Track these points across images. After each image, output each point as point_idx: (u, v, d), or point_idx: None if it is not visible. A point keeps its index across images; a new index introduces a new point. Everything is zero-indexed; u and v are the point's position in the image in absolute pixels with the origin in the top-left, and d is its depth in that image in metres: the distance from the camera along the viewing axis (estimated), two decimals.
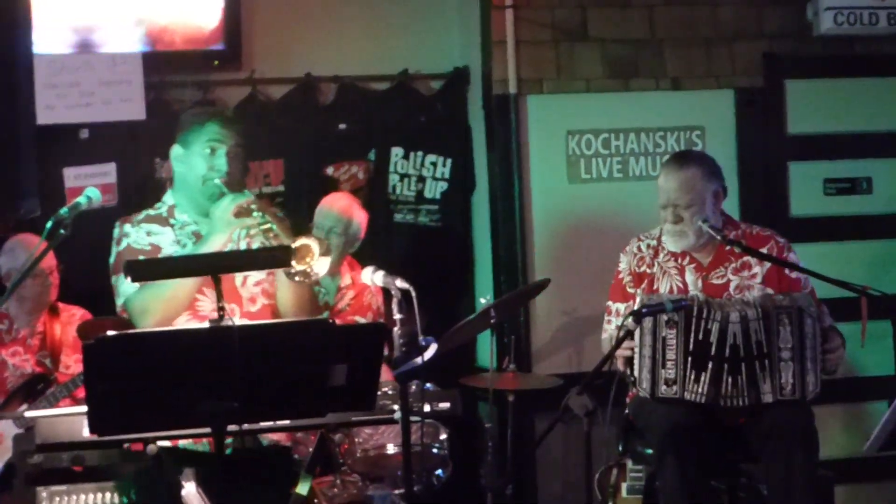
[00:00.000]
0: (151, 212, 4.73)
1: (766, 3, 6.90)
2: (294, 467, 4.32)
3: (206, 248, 4.49)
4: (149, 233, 4.63)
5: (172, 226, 4.65)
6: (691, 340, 4.94)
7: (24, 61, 4.39)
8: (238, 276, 4.59)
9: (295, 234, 4.32)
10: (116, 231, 4.70)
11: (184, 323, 4.49)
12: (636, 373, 4.98)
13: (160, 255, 4.53)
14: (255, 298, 4.62)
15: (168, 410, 3.62)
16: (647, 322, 4.92)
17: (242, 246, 4.65)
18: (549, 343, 6.72)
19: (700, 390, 4.95)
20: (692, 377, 4.94)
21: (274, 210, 4.65)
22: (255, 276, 4.67)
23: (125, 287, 4.56)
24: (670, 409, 4.97)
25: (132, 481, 4.15)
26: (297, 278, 4.25)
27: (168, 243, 4.59)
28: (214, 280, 3.80)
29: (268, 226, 4.41)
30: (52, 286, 5.87)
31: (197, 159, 4.61)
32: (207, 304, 4.52)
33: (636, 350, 4.96)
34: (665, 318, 4.91)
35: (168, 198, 4.78)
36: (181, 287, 4.46)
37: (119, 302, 4.64)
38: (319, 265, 4.23)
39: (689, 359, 4.94)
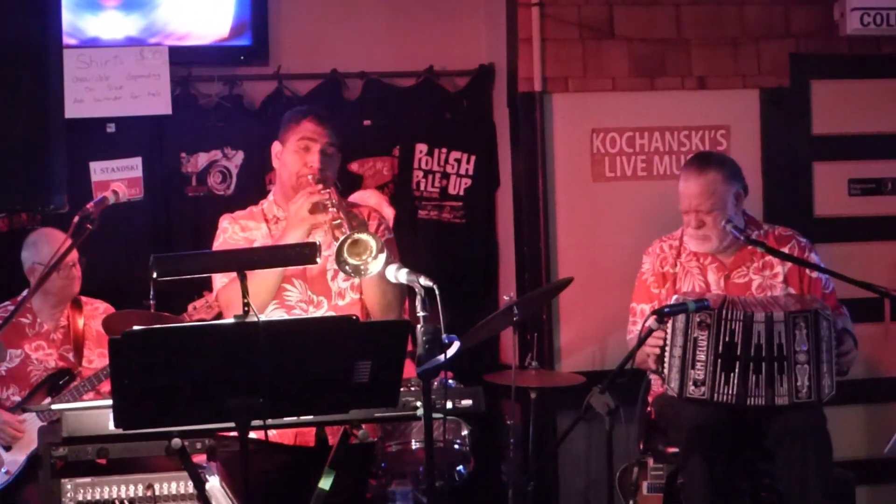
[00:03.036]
0: (255, 208, 4.79)
1: (792, 2, 6.88)
2: None
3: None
4: (244, 227, 4.67)
5: (269, 220, 4.69)
6: (721, 342, 4.94)
7: (54, 55, 4.42)
8: (329, 270, 4.60)
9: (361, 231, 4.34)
10: (221, 227, 4.76)
11: (270, 313, 4.51)
12: (665, 371, 4.99)
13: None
14: (343, 293, 4.63)
15: (193, 405, 3.64)
16: (679, 323, 4.93)
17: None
18: (572, 341, 6.72)
19: (730, 391, 4.95)
20: (721, 378, 4.95)
21: (348, 205, 4.68)
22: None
23: (217, 281, 4.61)
24: (697, 407, 4.98)
25: None
26: (347, 269, 4.26)
27: (261, 238, 4.63)
28: (240, 276, 3.82)
29: (338, 221, 4.44)
30: (75, 279, 5.88)
31: (292, 156, 4.65)
32: (295, 295, 4.56)
33: (667, 350, 4.96)
34: (697, 319, 4.92)
35: (271, 194, 4.85)
36: (265, 279, 4.47)
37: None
38: (375, 263, 4.25)
39: (719, 360, 4.94)
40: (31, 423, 5.58)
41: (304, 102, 6.92)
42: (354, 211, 4.70)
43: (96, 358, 5.83)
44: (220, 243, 4.70)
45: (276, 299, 4.58)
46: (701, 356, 4.95)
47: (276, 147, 4.76)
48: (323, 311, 4.52)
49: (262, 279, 4.46)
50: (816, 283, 5.30)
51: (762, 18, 6.88)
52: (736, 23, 6.86)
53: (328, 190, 4.51)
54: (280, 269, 4.47)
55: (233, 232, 4.68)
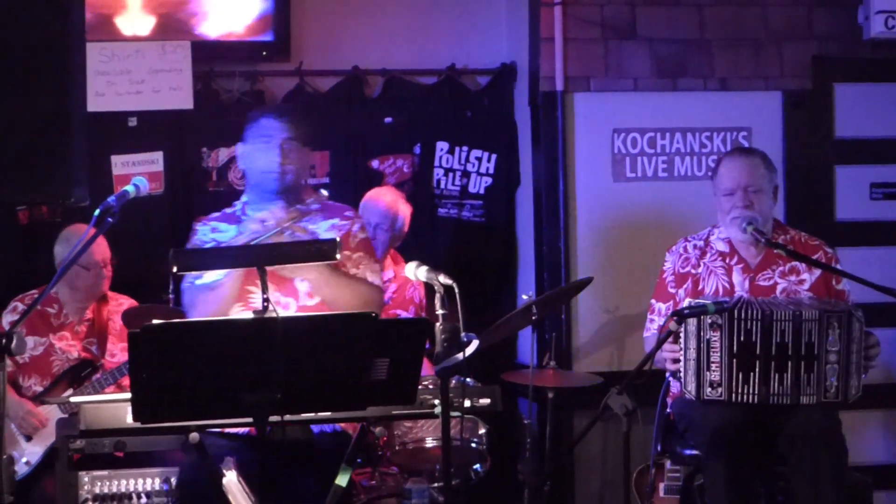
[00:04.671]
0: (228, 210, 4.81)
1: (816, 5, 6.86)
2: None
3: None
4: (214, 229, 4.68)
5: (241, 222, 4.70)
6: (735, 342, 4.93)
7: (77, 48, 4.43)
8: (295, 271, 4.61)
9: None
10: (193, 229, 4.80)
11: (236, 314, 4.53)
12: (681, 375, 4.98)
13: None
14: (312, 293, 4.64)
15: (211, 400, 3.65)
16: (692, 325, 4.92)
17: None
18: (590, 341, 6.71)
19: (751, 390, 4.94)
20: (740, 378, 4.93)
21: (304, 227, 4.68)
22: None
23: (183, 284, 4.62)
24: (719, 408, 4.97)
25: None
26: None
27: (230, 240, 4.63)
28: (260, 272, 3.83)
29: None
30: (105, 278, 5.91)
31: (253, 155, 4.66)
32: (260, 297, 4.55)
33: (682, 353, 4.96)
34: (709, 320, 4.91)
35: (244, 195, 4.87)
36: (228, 282, 4.49)
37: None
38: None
39: (735, 360, 4.93)
40: (53, 414, 5.60)
41: (325, 99, 6.94)
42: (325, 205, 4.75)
43: (119, 352, 5.85)
44: (189, 245, 4.72)
45: (241, 301, 4.58)
46: (715, 357, 4.94)
47: (239, 147, 4.77)
48: (291, 312, 4.49)
49: (225, 285, 4.51)
50: (840, 296, 5.29)
51: (785, 20, 6.85)
52: (759, 24, 6.84)
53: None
54: (244, 273, 4.49)
55: (202, 234, 4.69)
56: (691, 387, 4.96)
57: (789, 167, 6.81)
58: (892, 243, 6.92)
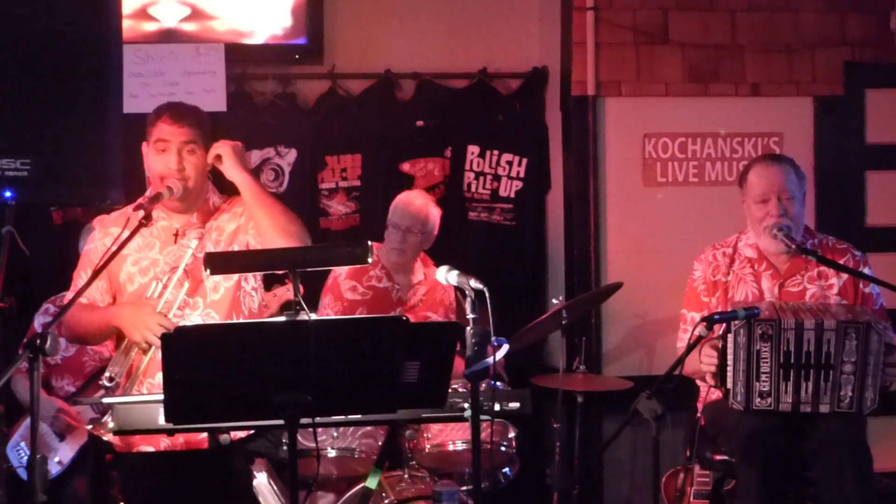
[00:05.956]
0: (129, 209, 4.57)
1: (848, 11, 6.85)
2: None
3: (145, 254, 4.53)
4: (106, 234, 4.53)
5: (142, 225, 4.43)
6: (781, 352, 4.92)
7: (114, 50, 4.47)
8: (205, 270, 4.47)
9: None
10: (92, 229, 4.66)
11: None
12: (729, 385, 4.96)
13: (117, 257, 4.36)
14: (217, 287, 4.58)
15: (242, 401, 3.67)
16: (742, 336, 4.90)
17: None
18: (620, 345, 6.72)
19: (788, 399, 4.94)
20: (783, 388, 4.93)
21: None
22: None
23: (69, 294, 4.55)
24: (753, 415, 4.96)
25: None
26: None
27: (131, 245, 4.43)
28: (293, 275, 3.84)
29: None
30: None
31: (152, 159, 4.53)
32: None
33: (730, 364, 4.94)
34: (759, 331, 4.89)
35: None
36: (93, 317, 4.47)
37: None
38: None
39: (781, 370, 4.92)
40: (86, 414, 5.63)
41: (357, 102, 6.96)
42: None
43: None
44: (87, 248, 4.61)
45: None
46: (765, 367, 4.92)
47: (144, 148, 4.60)
48: (199, 312, 4.47)
49: (89, 317, 4.46)
50: (868, 299, 5.28)
51: (817, 26, 6.85)
52: (791, 30, 6.84)
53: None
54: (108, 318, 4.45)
55: (100, 237, 4.56)
56: (740, 398, 4.93)
57: (820, 173, 6.81)
58: None
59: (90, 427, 4.36)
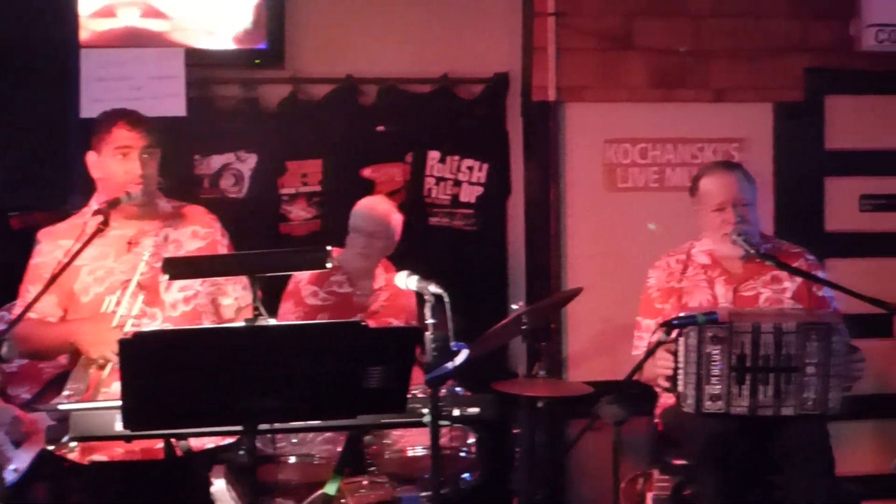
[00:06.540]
0: (77, 220, 4.61)
1: (809, 18, 6.89)
2: None
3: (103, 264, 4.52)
4: (57, 246, 4.53)
5: (100, 230, 4.44)
6: (733, 355, 4.94)
7: (72, 55, 4.45)
8: (163, 283, 4.53)
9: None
10: (38, 240, 4.64)
11: None
12: (680, 388, 4.98)
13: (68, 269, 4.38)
14: (176, 304, 4.60)
15: (201, 408, 3.65)
16: (692, 339, 4.92)
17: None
18: (582, 350, 6.73)
19: (743, 403, 4.95)
20: (735, 391, 4.95)
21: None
22: (180, 284, 4.59)
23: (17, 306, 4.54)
24: (710, 419, 4.98)
25: None
26: None
27: (84, 254, 4.43)
28: (251, 280, 3.83)
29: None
30: None
31: (111, 166, 4.52)
32: (123, 309, 4.47)
33: (681, 367, 4.96)
34: (709, 334, 4.91)
35: (93, 204, 4.64)
36: (48, 331, 4.52)
37: None
38: None
39: (733, 373, 4.94)
40: (43, 421, 5.58)
41: (319, 107, 6.93)
42: (183, 211, 4.70)
43: None
44: (35, 261, 4.60)
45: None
46: (715, 371, 4.95)
47: (91, 156, 4.58)
48: (157, 324, 4.46)
49: (42, 333, 4.48)
50: (822, 303, 5.31)
51: (780, 33, 6.90)
52: (754, 36, 6.88)
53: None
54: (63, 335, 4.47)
55: (47, 249, 4.56)
56: (691, 400, 4.95)
57: (779, 178, 6.85)
58: (882, 254, 6.96)
59: (51, 447, 4.34)
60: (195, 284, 4.62)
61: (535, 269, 6.74)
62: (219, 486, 4.12)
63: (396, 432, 5.30)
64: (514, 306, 6.02)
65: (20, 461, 5.61)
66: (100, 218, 4.29)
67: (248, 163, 6.88)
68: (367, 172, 6.98)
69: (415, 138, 7.06)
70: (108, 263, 4.51)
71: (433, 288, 4.08)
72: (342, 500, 5.15)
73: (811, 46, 6.92)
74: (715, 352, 4.93)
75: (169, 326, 4.42)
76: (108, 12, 6.68)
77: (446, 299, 4.01)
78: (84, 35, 6.42)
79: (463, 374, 4.06)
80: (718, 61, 6.84)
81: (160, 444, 4.24)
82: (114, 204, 4.38)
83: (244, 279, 4.32)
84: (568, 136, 6.72)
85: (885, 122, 6.99)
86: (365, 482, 5.23)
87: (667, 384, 5.03)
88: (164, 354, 3.55)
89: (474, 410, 4.37)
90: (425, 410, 4.09)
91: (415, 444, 5.31)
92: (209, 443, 4.46)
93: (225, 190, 6.81)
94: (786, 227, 6.58)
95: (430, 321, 4.00)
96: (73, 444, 4.08)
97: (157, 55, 6.63)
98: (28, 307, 4.18)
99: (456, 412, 4.31)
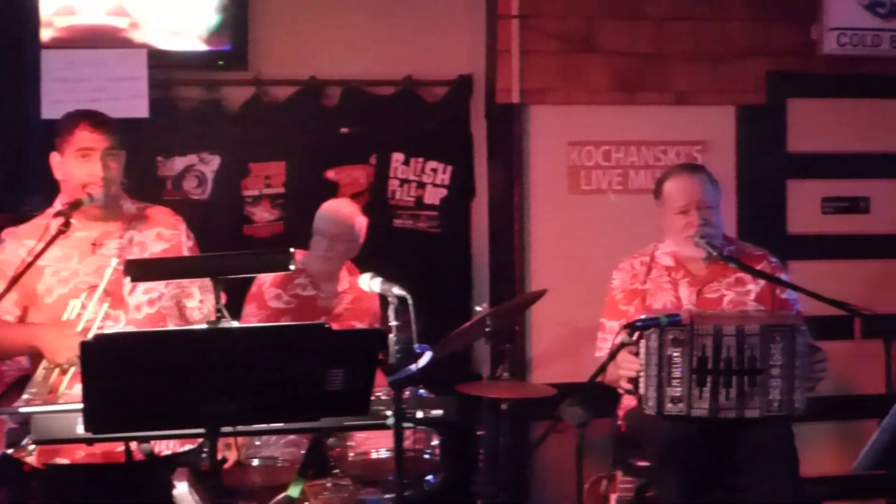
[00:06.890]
0: (41, 220, 4.55)
1: (772, 21, 6.92)
2: None
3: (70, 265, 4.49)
4: (20, 245, 4.48)
5: (61, 231, 4.37)
6: (694, 357, 4.95)
7: (31, 58, 4.43)
8: (126, 286, 4.50)
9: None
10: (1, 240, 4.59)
11: None
12: (642, 390, 4.99)
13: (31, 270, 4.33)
14: (140, 307, 4.59)
15: (163, 410, 3.63)
16: (653, 341, 4.93)
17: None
18: (546, 352, 6.73)
19: (704, 405, 4.96)
20: (696, 393, 4.96)
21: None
22: (144, 286, 4.56)
23: None
24: (671, 421, 4.99)
25: None
26: None
27: (48, 255, 4.37)
28: (214, 282, 3.82)
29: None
30: None
31: (73, 167, 4.47)
32: (88, 312, 4.43)
33: (643, 369, 4.97)
34: (670, 336, 4.93)
35: (58, 205, 4.58)
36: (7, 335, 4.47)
37: None
38: None
39: (694, 376, 4.95)
40: (2, 424, 5.54)
41: (282, 108, 6.92)
42: (147, 213, 4.68)
43: None
44: None
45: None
46: (676, 373, 4.96)
47: (54, 157, 4.52)
48: (121, 326, 4.44)
49: (3, 331, 4.46)
50: (785, 305, 5.34)
51: (742, 35, 6.91)
52: (716, 39, 6.89)
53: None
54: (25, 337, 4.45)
55: (11, 248, 4.50)
56: (652, 402, 4.96)
57: (742, 181, 6.88)
58: (843, 257, 6.99)
59: (11, 451, 4.30)
60: (159, 287, 4.60)
61: (498, 270, 6.74)
62: (181, 489, 4.10)
63: (360, 435, 5.29)
64: (477, 308, 6.03)
65: None
66: (61, 219, 4.25)
67: (211, 164, 6.85)
68: (330, 174, 6.97)
69: (379, 140, 7.06)
70: (72, 265, 4.48)
71: (397, 290, 4.08)
72: (305, 503, 5.14)
73: (773, 50, 6.94)
74: (676, 354, 4.94)
75: (132, 329, 4.39)
76: (71, 10, 6.64)
77: (410, 301, 4.01)
78: (48, 33, 6.39)
79: (427, 376, 4.06)
80: (680, 64, 6.86)
81: (122, 448, 4.21)
82: (75, 205, 4.35)
83: (209, 281, 4.30)
84: (532, 138, 6.73)
85: (846, 126, 7.03)
86: (328, 484, 5.22)
87: (629, 386, 5.03)
88: (126, 357, 3.53)
89: (438, 412, 4.38)
90: (389, 413, 4.09)
91: (378, 447, 5.30)
92: (171, 448, 4.43)
93: (188, 192, 6.79)
94: (748, 230, 6.61)
95: (393, 323, 3.99)
96: (31, 447, 4.03)
97: (119, 56, 6.60)
98: None
99: (419, 414, 4.31)
